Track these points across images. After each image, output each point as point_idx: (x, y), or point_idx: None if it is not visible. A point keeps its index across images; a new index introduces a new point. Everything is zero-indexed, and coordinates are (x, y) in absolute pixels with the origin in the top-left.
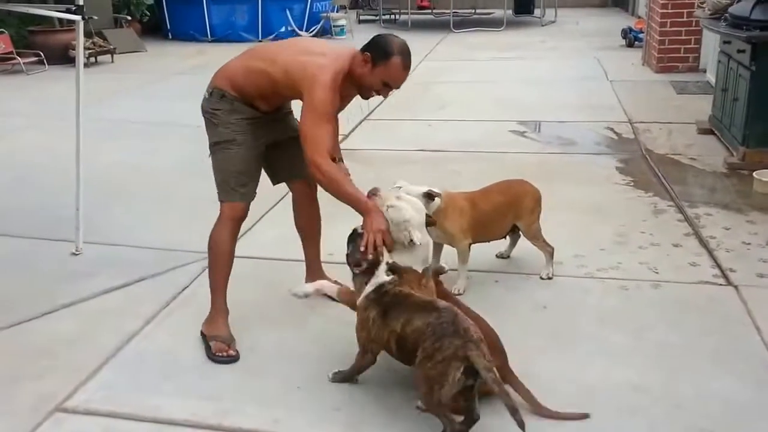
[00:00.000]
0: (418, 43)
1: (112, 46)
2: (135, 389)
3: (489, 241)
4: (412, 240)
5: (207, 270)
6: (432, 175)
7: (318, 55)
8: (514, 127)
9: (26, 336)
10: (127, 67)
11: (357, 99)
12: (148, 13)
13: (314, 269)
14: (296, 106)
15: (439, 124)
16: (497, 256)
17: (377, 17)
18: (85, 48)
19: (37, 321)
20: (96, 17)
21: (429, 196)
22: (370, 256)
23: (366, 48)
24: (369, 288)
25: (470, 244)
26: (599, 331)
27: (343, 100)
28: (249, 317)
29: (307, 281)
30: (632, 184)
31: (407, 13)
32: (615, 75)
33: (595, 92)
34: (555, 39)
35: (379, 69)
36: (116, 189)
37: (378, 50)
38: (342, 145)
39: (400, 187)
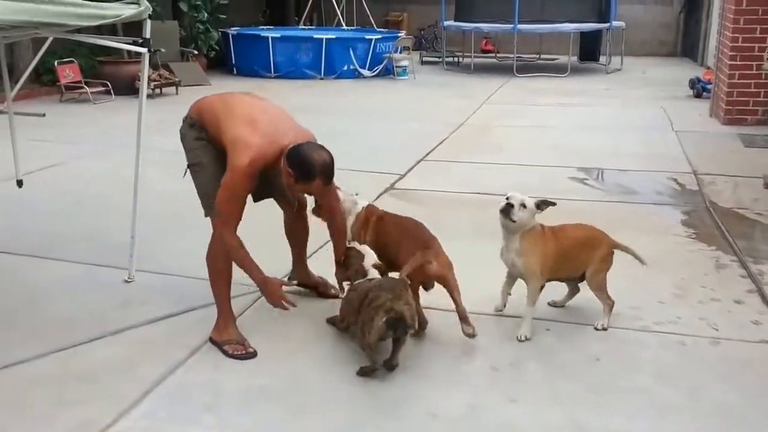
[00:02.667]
0: (479, 86)
1: (177, 79)
2: (176, 420)
3: (560, 280)
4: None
5: (212, 284)
6: (486, 219)
7: (257, 131)
8: (574, 173)
9: (73, 361)
10: (190, 100)
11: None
12: (217, 48)
13: (299, 269)
14: None
15: (497, 168)
16: (550, 304)
17: (440, 59)
18: (151, 79)
19: (85, 346)
20: (164, 50)
21: (541, 206)
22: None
23: (291, 161)
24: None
25: (542, 287)
26: (653, 387)
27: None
28: (296, 354)
29: (294, 274)
30: (694, 236)
31: (470, 56)
32: (681, 125)
33: (660, 142)
34: (620, 87)
35: (302, 185)
36: (172, 218)
37: (302, 171)
38: (397, 185)
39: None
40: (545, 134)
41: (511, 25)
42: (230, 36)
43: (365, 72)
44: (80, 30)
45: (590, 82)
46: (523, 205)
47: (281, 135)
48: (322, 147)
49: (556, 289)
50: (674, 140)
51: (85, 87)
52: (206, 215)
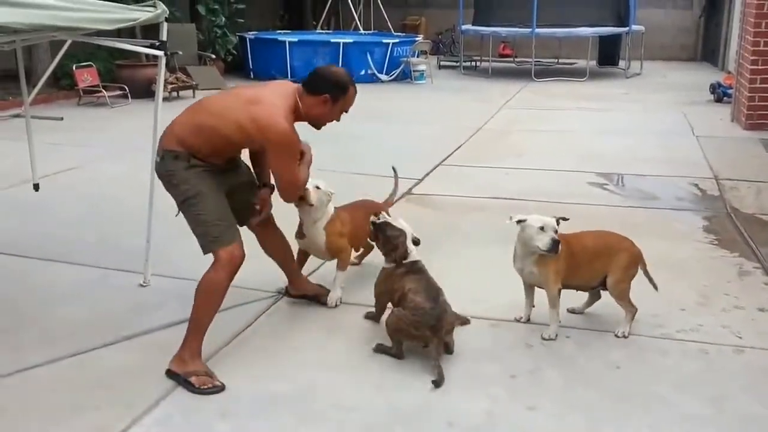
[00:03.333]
0: (497, 90)
1: (194, 82)
2: (190, 427)
3: (577, 288)
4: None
5: (197, 311)
6: (505, 225)
7: (265, 103)
8: (593, 178)
9: (88, 365)
10: None
11: None
12: (234, 52)
13: (298, 280)
14: None
15: (516, 173)
16: (569, 311)
17: (458, 63)
18: (168, 83)
19: (100, 351)
20: (181, 53)
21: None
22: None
23: (316, 88)
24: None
25: (560, 290)
26: (675, 397)
27: None
28: (308, 361)
29: (291, 291)
30: (716, 242)
31: (488, 61)
32: (702, 130)
33: (680, 147)
34: (640, 91)
35: (340, 104)
36: (183, 223)
37: (334, 88)
38: (414, 190)
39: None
40: (564, 139)
41: (530, 29)
42: (248, 40)
43: (383, 76)
44: (99, 33)
45: (609, 87)
46: (554, 230)
47: (281, 91)
48: (329, 66)
49: (576, 296)
50: (695, 145)
51: (103, 91)
52: (207, 251)
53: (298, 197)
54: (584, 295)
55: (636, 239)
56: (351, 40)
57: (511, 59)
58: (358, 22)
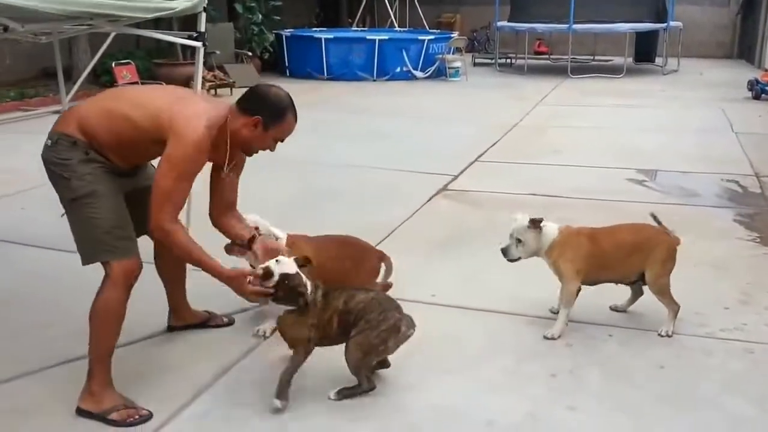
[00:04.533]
0: (533, 87)
1: (231, 80)
2: (227, 423)
3: (615, 282)
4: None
5: (95, 340)
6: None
7: (193, 105)
8: (631, 175)
9: (126, 359)
10: None
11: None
12: (270, 49)
13: (183, 310)
14: None
15: (553, 169)
16: (611, 309)
17: (493, 60)
18: (206, 80)
19: (138, 345)
20: (219, 52)
21: (534, 223)
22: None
23: (248, 107)
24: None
25: (578, 290)
26: (721, 397)
27: (216, 157)
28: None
29: (174, 321)
30: (758, 240)
31: (524, 58)
32: (740, 127)
33: (719, 143)
34: (677, 88)
35: (273, 131)
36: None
37: (269, 111)
38: (451, 186)
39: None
40: (601, 135)
41: (567, 25)
42: (284, 37)
43: (418, 73)
44: (138, 25)
45: (646, 83)
46: (519, 240)
47: (214, 103)
48: (270, 85)
49: (618, 293)
50: (734, 142)
51: None
52: (101, 261)
53: (164, 220)
54: (627, 292)
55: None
56: (386, 37)
57: (547, 56)
58: (394, 20)
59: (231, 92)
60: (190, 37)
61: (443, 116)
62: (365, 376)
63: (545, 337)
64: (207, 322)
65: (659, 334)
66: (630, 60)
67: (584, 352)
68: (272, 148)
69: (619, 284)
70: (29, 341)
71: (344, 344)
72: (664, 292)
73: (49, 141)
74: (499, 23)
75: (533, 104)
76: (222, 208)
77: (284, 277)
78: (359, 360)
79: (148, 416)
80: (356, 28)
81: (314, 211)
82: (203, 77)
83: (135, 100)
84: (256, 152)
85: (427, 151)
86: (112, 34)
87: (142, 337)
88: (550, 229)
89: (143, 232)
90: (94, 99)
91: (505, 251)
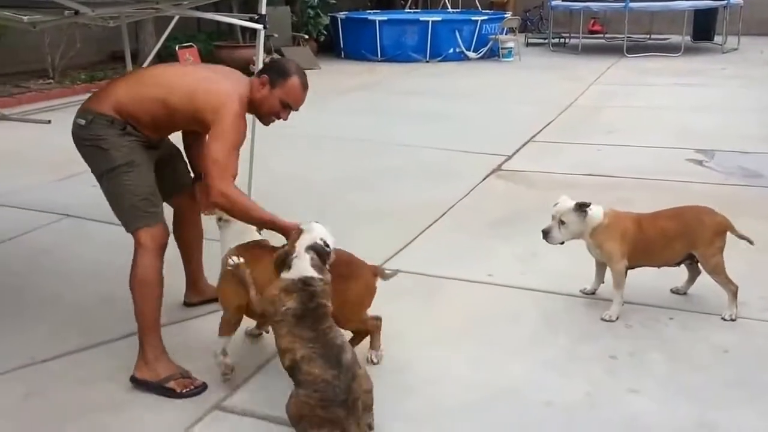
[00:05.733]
0: (587, 67)
1: None
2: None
3: (658, 266)
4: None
5: (140, 311)
6: (599, 202)
7: (221, 80)
8: (691, 155)
9: (195, 331)
10: None
11: None
12: (325, 33)
13: (198, 283)
14: None
15: (609, 149)
16: (672, 291)
17: (546, 40)
18: (265, 63)
19: (206, 318)
20: (276, 35)
21: (581, 207)
22: None
23: (263, 72)
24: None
25: (627, 268)
26: None
27: None
28: (403, 334)
29: (190, 295)
30: None
31: (578, 37)
32: None
33: None
34: (737, 67)
35: (278, 90)
36: (280, 199)
37: (275, 72)
38: (504, 166)
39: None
40: (659, 115)
41: (623, 4)
42: (339, 20)
43: (471, 54)
44: (198, 9)
45: (705, 62)
46: (562, 222)
47: (237, 76)
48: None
49: (678, 276)
50: None
51: None
52: (134, 228)
53: (223, 185)
54: (685, 274)
55: (739, 218)
56: (439, 18)
57: (601, 35)
58: (447, 1)
59: None
60: (251, 20)
61: (497, 96)
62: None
63: (603, 319)
64: None
65: (723, 318)
66: (688, 38)
67: (645, 335)
68: (283, 115)
69: (662, 267)
70: (101, 313)
71: None
72: (718, 271)
73: (83, 120)
74: (553, 2)
75: (588, 84)
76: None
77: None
78: (293, 419)
79: (203, 387)
80: (409, 10)
81: (370, 190)
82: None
83: (165, 83)
84: (270, 120)
85: (481, 132)
86: (176, 18)
87: (210, 310)
88: (595, 212)
89: (167, 196)
90: (121, 85)
91: (546, 233)
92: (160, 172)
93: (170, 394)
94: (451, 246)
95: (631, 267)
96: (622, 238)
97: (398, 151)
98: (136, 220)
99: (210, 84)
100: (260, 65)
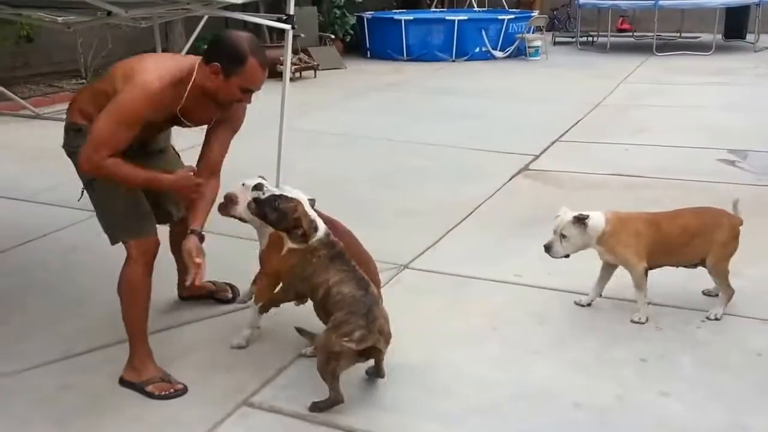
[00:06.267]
0: (616, 66)
1: (315, 63)
2: (317, 392)
3: (676, 266)
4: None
5: (126, 316)
6: (626, 202)
7: (154, 60)
8: (722, 155)
9: (224, 327)
10: (328, 83)
11: None
12: (351, 32)
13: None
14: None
15: (637, 149)
16: (704, 293)
17: (573, 39)
18: (291, 63)
19: (235, 314)
20: (303, 35)
21: (579, 221)
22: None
23: (210, 56)
24: (321, 233)
25: (647, 269)
26: None
27: (198, 115)
28: (430, 333)
29: (181, 291)
30: None
31: (606, 36)
32: None
33: None
34: None
35: (235, 78)
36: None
37: (227, 58)
38: (532, 166)
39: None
40: (689, 114)
41: (653, 2)
42: (365, 20)
43: (497, 53)
44: (227, 8)
45: (737, 61)
46: (563, 236)
47: (177, 59)
48: (233, 31)
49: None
50: None
51: None
52: (121, 240)
53: (96, 157)
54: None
55: None
56: (466, 17)
57: (630, 34)
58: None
59: (315, 75)
60: (279, 20)
61: (523, 96)
62: (331, 386)
63: (632, 321)
64: (214, 294)
65: (708, 318)
66: (719, 37)
67: (676, 337)
68: (245, 99)
69: (678, 267)
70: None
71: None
72: (723, 275)
73: (65, 133)
74: (581, 1)
75: (616, 83)
76: (206, 168)
77: (275, 198)
78: (321, 364)
79: (183, 391)
80: (435, 9)
81: (396, 189)
82: None
83: (111, 73)
84: (230, 105)
85: (508, 131)
86: (205, 18)
87: (238, 307)
88: (596, 220)
89: (164, 221)
90: (90, 85)
91: (548, 248)
92: (155, 195)
93: (149, 396)
94: (478, 245)
95: (650, 267)
96: (636, 238)
97: (424, 150)
98: (119, 234)
99: (141, 64)
100: (288, 66)
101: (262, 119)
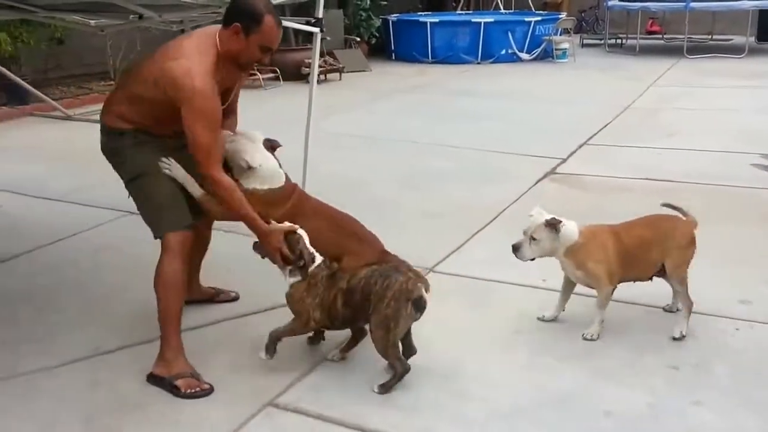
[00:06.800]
0: (645, 68)
1: (340, 65)
2: (342, 394)
3: (633, 281)
4: (249, 164)
5: (163, 312)
6: (656, 207)
7: (183, 57)
8: (756, 159)
9: (249, 329)
10: (353, 85)
11: None
12: (377, 35)
13: (192, 284)
14: None
15: (667, 153)
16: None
17: (602, 41)
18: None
19: (259, 316)
20: (329, 38)
21: (552, 226)
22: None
23: (229, 19)
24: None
25: (614, 288)
26: None
27: (227, 89)
28: (455, 338)
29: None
30: None
31: (635, 38)
32: None
33: None
34: None
35: (255, 36)
36: (332, 197)
37: (246, 16)
38: (558, 169)
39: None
40: (722, 118)
41: (684, 3)
42: (390, 22)
43: (523, 55)
44: None
45: None
46: (533, 238)
47: (198, 45)
48: None
49: (749, 285)
50: None
51: (258, 73)
52: (161, 233)
53: (212, 171)
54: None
55: None
56: (492, 20)
57: (660, 36)
58: (499, 1)
59: (340, 77)
60: (308, 23)
61: (550, 98)
62: (396, 357)
63: (584, 338)
64: (214, 298)
65: (674, 338)
66: (752, 39)
67: (710, 346)
68: (263, 60)
69: (637, 282)
70: None
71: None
72: (683, 282)
73: (102, 136)
74: (610, 2)
75: (646, 86)
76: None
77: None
78: (382, 338)
79: (209, 390)
80: (461, 12)
81: (421, 191)
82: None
83: (140, 77)
84: (251, 67)
85: (534, 134)
86: None
87: (263, 308)
88: (570, 230)
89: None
90: (118, 89)
91: (516, 248)
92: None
93: (175, 391)
94: (504, 249)
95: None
96: (605, 255)
97: (449, 152)
98: (159, 227)
99: (171, 64)
100: (316, 68)
101: (287, 120)
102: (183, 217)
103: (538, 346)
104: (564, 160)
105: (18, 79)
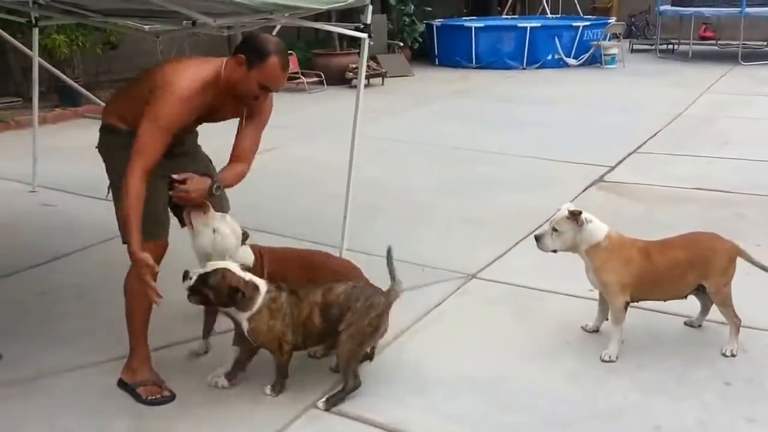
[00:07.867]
0: (698, 75)
1: (383, 70)
2: (384, 398)
3: (664, 300)
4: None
5: (128, 315)
6: (710, 217)
7: (179, 62)
8: None
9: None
10: (395, 90)
11: None
12: (420, 40)
13: None
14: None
15: (722, 162)
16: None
17: (652, 47)
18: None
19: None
20: (372, 43)
21: (573, 217)
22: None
23: (237, 50)
24: (264, 289)
25: (627, 303)
26: None
27: (212, 112)
28: (498, 346)
29: None
30: None
31: (687, 44)
32: None
33: None
34: None
35: (255, 72)
36: (375, 202)
37: (252, 51)
38: (606, 178)
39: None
40: None
41: (739, 9)
42: (434, 27)
43: (570, 61)
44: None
45: None
46: (555, 230)
47: (204, 60)
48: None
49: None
50: None
51: (302, 77)
52: (124, 242)
53: (133, 169)
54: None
55: None
56: (538, 25)
57: (714, 42)
58: (546, 6)
59: (382, 82)
60: (357, 29)
61: (599, 105)
62: (354, 374)
63: (602, 360)
64: None
65: (723, 354)
66: None
67: (763, 361)
68: (261, 97)
69: (668, 301)
70: (180, 314)
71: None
72: (728, 303)
73: (99, 132)
74: (662, 7)
75: (699, 93)
76: (235, 158)
77: (204, 277)
78: (350, 352)
79: (170, 398)
80: (506, 17)
81: (465, 198)
82: (357, 67)
83: (145, 79)
84: (249, 102)
85: (582, 141)
86: (278, 27)
87: None
88: (596, 228)
89: (182, 220)
90: (128, 87)
91: (538, 238)
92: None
93: (137, 398)
94: (549, 258)
95: (634, 300)
96: (626, 267)
97: (493, 158)
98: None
99: (172, 68)
100: (363, 73)
101: (329, 125)
102: (155, 229)
103: (588, 356)
104: (612, 168)
105: (71, 82)
